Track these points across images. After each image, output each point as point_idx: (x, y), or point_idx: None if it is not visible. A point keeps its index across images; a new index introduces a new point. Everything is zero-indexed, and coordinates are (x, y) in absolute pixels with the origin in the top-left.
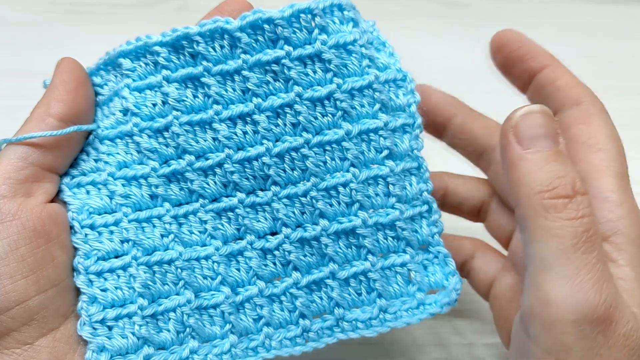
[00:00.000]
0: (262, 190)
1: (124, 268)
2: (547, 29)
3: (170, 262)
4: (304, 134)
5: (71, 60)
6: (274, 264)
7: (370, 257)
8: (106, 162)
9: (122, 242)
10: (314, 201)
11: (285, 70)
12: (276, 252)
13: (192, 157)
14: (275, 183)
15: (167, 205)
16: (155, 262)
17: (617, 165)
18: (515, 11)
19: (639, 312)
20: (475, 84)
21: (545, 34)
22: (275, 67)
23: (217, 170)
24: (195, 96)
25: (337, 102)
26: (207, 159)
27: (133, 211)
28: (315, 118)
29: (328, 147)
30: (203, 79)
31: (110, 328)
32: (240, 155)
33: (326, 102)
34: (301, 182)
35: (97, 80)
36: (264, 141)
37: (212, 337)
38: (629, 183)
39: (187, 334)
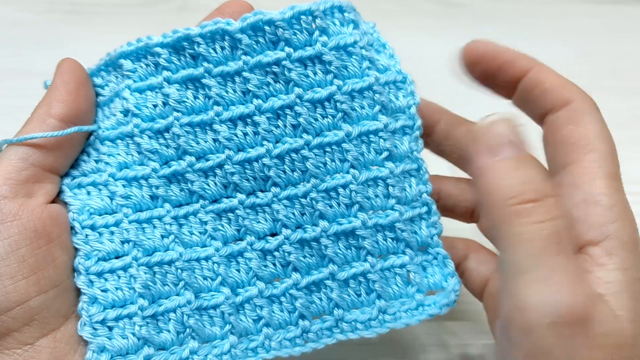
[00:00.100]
0: (262, 191)
1: (125, 269)
2: (544, 29)
3: (170, 262)
4: (304, 135)
5: (72, 61)
6: (274, 264)
7: (369, 258)
8: (107, 163)
9: (122, 242)
10: (313, 202)
11: (286, 72)
12: (276, 253)
13: (193, 158)
14: (275, 184)
15: (167, 206)
16: (156, 262)
17: (609, 166)
18: (512, 11)
19: (624, 314)
20: (472, 83)
21: (543, 34)
22: (275, 69)
23: (218, 171)
24: (195, 97)
25: (338, 104)
26: (207, 160)
27: (133, 212)
28: (316, 119)
29: (328, 149)
30: (204, 80)
31: (110, 328)
32: (241, 156)
33: (326, 103)
34: (301, 184)
35: (98, 81)
36: (264, 142)
37: (212, 337)
38: (621, 183)
39: (187, 335)
